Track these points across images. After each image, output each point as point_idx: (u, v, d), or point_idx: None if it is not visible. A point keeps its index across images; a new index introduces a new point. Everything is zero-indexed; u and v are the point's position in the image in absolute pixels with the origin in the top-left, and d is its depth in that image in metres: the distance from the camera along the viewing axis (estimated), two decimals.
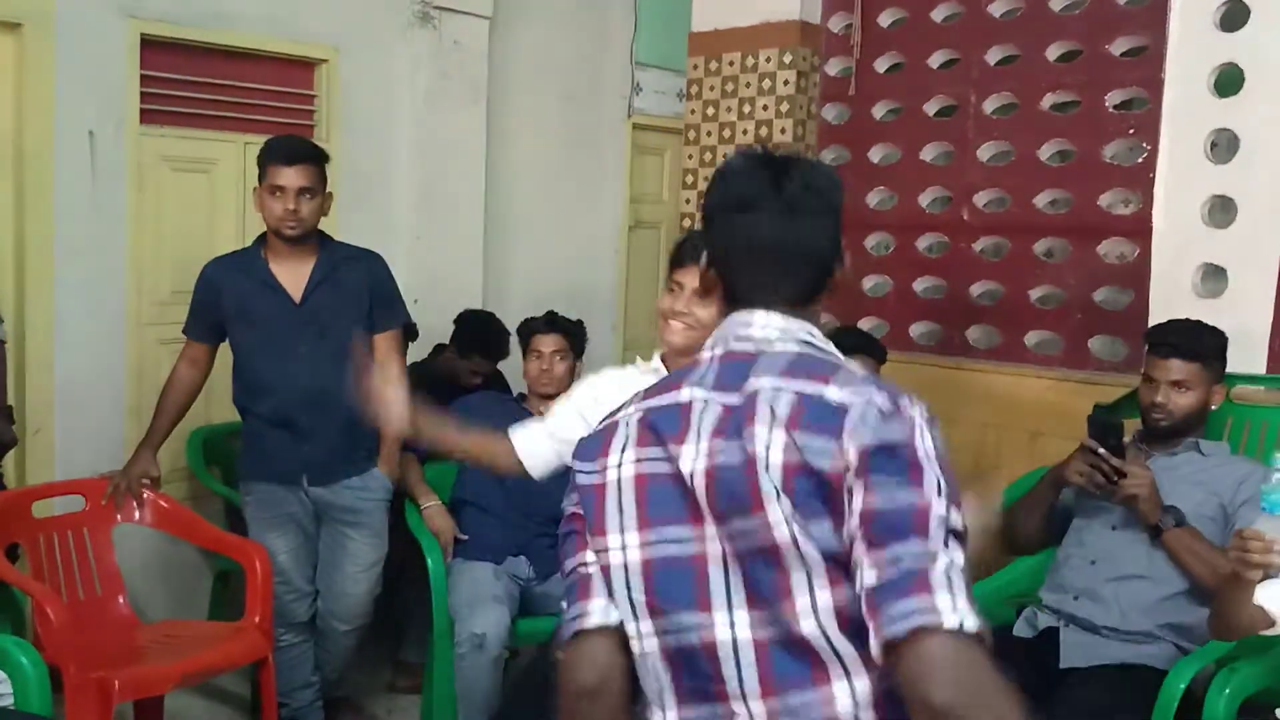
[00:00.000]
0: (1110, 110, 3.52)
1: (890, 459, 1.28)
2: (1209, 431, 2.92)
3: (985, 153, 3.81)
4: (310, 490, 3.25)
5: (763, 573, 1.34)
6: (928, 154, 3.96)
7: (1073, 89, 3.61)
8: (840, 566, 1.31)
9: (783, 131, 4.17)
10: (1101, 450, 2.70)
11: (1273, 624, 2.13)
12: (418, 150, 4.54)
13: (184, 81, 3.92)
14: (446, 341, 4.31)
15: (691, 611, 1.38)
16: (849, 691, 1.32)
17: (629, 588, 1.41)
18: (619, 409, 1.50)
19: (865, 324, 4.03)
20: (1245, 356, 3.08)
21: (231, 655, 3.09)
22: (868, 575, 1.26)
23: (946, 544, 1.26)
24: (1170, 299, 3.28)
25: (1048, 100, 3.66)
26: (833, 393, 1.33)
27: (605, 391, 2.23)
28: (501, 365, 4.28)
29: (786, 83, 4.17)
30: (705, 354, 1.48)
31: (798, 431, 1.32)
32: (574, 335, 3.59)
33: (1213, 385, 2.79)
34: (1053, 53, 3.65)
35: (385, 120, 4.47)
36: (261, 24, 4.05)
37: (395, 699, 3.77)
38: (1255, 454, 2.93)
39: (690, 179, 4.49)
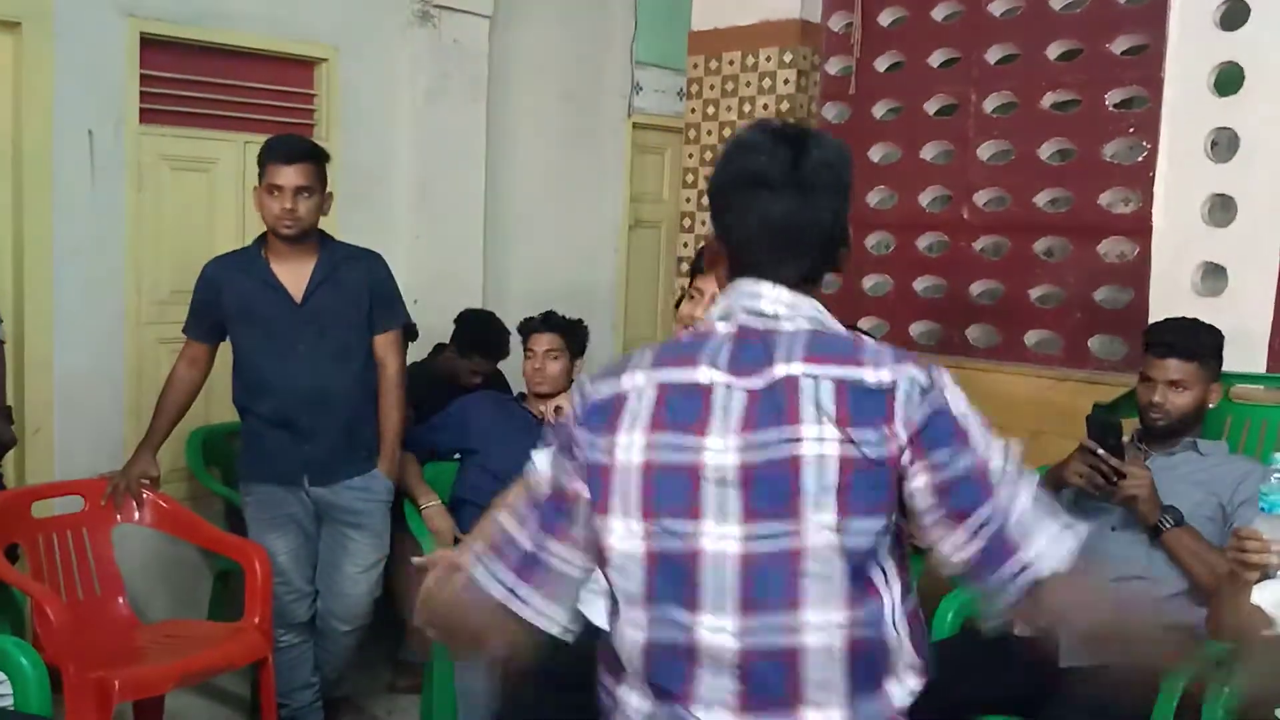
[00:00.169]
0: (1110, 109, 3.52)
1: (941, 431, 1.33)
2: (1208, 430, 2.92)
3: (985, 152, 3.80)
4: (311, 490, 3.25)
5: (773, 576, 1.33)
6: (928, 153, 3.96)
7: (1073, 88, 3.60)
8: (861, 585, 1.33)
9: None
10: (1100, 451, 2.70)
11: (1270, 624, 2.13)
12: (417, 149, 4.54)
13: (183, 81, 3.92)
14: (446, 341, 4.31)
15: (679, 609, 1.36)
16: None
17: (627, 575, 1.39)
18: (625, 367, 1.44)
19: (865, 323, 4.02)
20: (1245, 355, 3.08)
21: (231, 655, 3.08)
22: (960, 553, 1.32)
23: (1013, 483, 1.32)
24: (1170, 298, 3.28)
25: (1048, 99, 3.65)
26: (870, 374, 1.34)
27: None
28: (502, 365, 4.28)
29: (786, 82, 4.16)
30: (718, 325, 1.43)
31: (849, 427, 1.32)
32: (571, 334, 3.59)
33: (1210, 384, 2.79)
34: (1053, 51, 3.64)
35: (385, 119, 4.47)
36: (261, 23, 4.05)
37: (395, 699, 3.77)
38: (1255, 453, 2.92)
39: (690, 178, 4.48)
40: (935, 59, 3.92)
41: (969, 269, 3.86)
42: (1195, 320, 2.86)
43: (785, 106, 4.16)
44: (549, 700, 2.18)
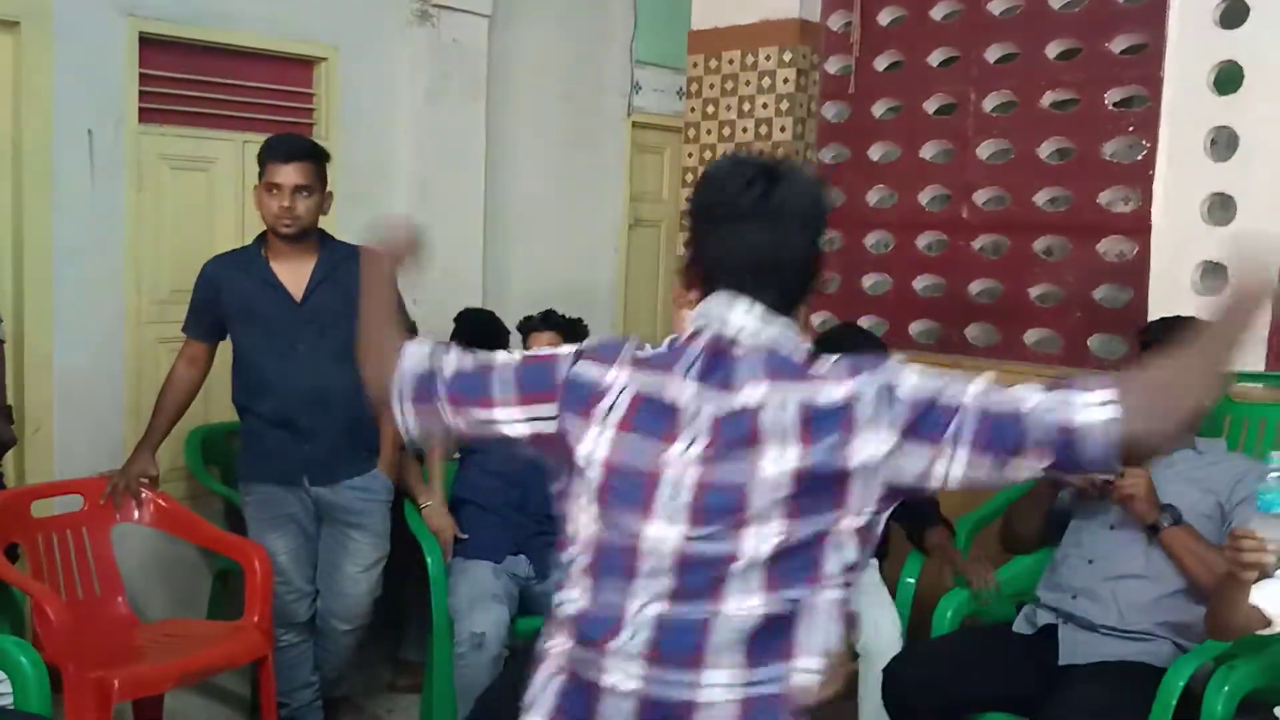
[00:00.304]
0: (1110, 108, 3.52)
1: (929, 415, 1.39)
2: (1207, 429, 2.92)
3: (985, 151, 3.80)
4: (312, 490, 3.24)
5: (703, 571, 1.42)
6: (927, 152, 3.96)
7: (1072, 87, 3.60)
8: (784, 577, 1.41)
9: (782, 130, 4.17)
10: None
11: (1268, 624, 2.13)
12: (417, 149, 4.54)
13: (183, 80, 3.91)
14: (446, 340, 4.31)
15: (620, 582, 1.46)
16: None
17: (579, 547, 1.52)
18: (615, 359, 1.51)
19: (864, 322, 4.02)
20: (1244, 354, 3.07)
21: (231, 655, 3.08)
22: (1027, 462, 1.39)
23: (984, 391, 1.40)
24: (1170, 297, 3.28)
25: (1047, 98, 3.65)
26: (828, 393, 1.41)
27: None
28: None
29: (786, 81, 4.16)
30: (697, 336, 1.49)
31: (810, 445, 1.39)
32: (571, 333, 3.60)
33: None
34: (1052, 50, 3.65)
35: (385, 119, 4.46)
36: (261, 22, 4.05)
37: (395, 698, 3.77)
38: (1254, 452, 2.92)
39: (690, 177, 4.48)
40: (935, 58, 3.93)
41: (968, 268, 3.86)
42: (1181, 317, 2.86)
43: (785, 105, 4.16)
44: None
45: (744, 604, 1.41)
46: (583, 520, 1.50)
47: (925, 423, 1.39)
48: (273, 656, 3.11)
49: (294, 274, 3.19)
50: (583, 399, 1.50)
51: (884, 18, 4.05)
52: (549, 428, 1.53)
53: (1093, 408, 1.36)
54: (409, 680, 3.76)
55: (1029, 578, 2.97)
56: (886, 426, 1.39)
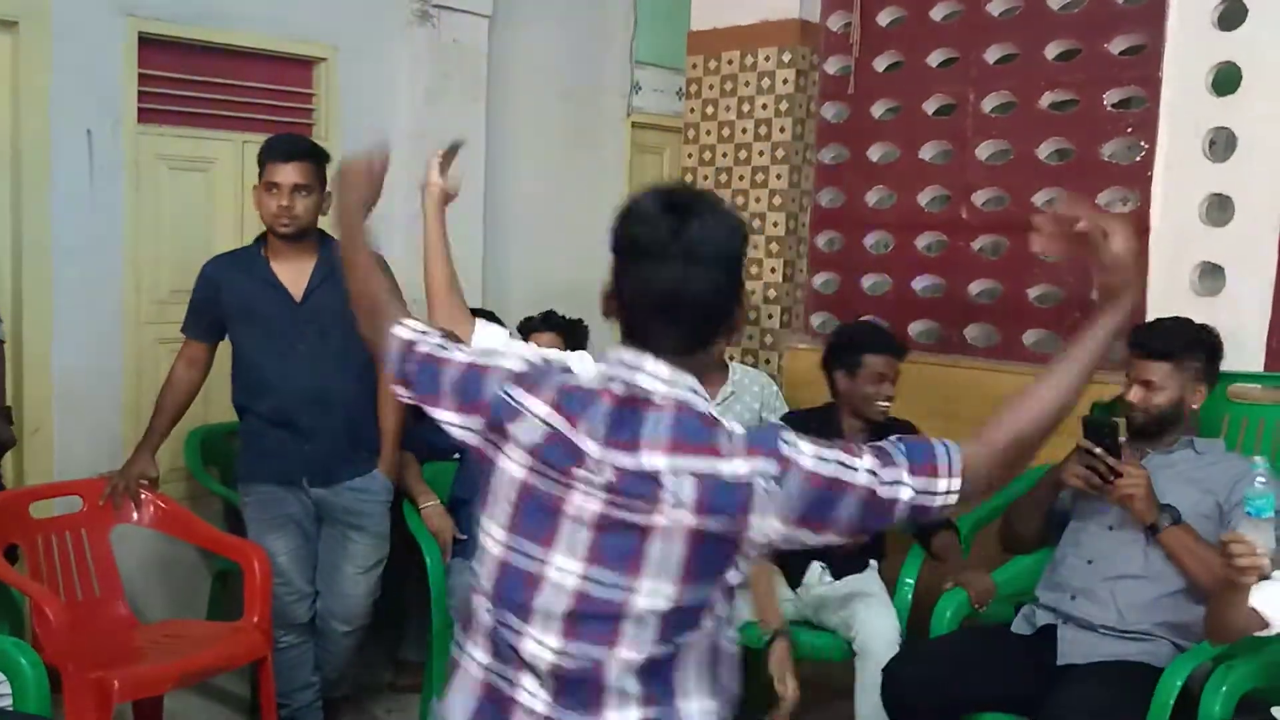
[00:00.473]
0: (1108, 109, 3.52)
1: (817, 502, 1.39)
2: (1205, 429, 2.92)
3: (984, 151, 3.81)
4: (311, 491, 3.25)
5: (598, 618, 1.43)
6: (926, 152, 3.96)
7: (1071, 88, 3.60)
8: (676, 628, 1.43)
9: (782, 130, 4.17)
10: (1098, 450, 2.70)
11: (1266, 626, 2.13)
12: (417, 149, 4.53)
13: (182, 80, 3.91)
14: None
15: (514, 617, 1.48)
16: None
17: (482, 564, 1.55)
18: (541, 386, 1.52)
19: None
20: (1243, 354, 3.08)
21: (230, 655, 3.08)
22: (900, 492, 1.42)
23: (871, 466, 1.41)
24: (1168, 298, 3.27)
25: (1046, 99, 3.65)
26: (726, 467, 1.39)
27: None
28: None
29: (785, 81, 4.17)
30: (608, 387, 1.48)
31: (705, 515, 1.39)
32: (571, 333, 3.60)
33: (1192, 384, 2.78)
34: (1051, 51, 3.65)
35: (384, 119, 4.46)
36: (260, 22, 4.05)
37: (395, 698, 3.77)
38: (1253, 452, 2.92)
39: (690, 178, 4.48)
40: (934, 59, 3.93)
41: (967, 268, 3.86)
42: (1177, 320, 2.86)
43: (784, 106, 4.16)
44: None
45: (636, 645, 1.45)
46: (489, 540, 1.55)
47: (814, 514, 1.40)
48: (272, 657, 3.11)
49: (294, 274, 3.19)
50: (502, 421, 1.51)
51: (883, 18, 4.05)
52: (475, 439, 1.55)
53: (938, 495, 1.42)
54: (409, 680, 3.76)
55: (1028, 578, 2.98)
56: (776, 515, 1.39)
